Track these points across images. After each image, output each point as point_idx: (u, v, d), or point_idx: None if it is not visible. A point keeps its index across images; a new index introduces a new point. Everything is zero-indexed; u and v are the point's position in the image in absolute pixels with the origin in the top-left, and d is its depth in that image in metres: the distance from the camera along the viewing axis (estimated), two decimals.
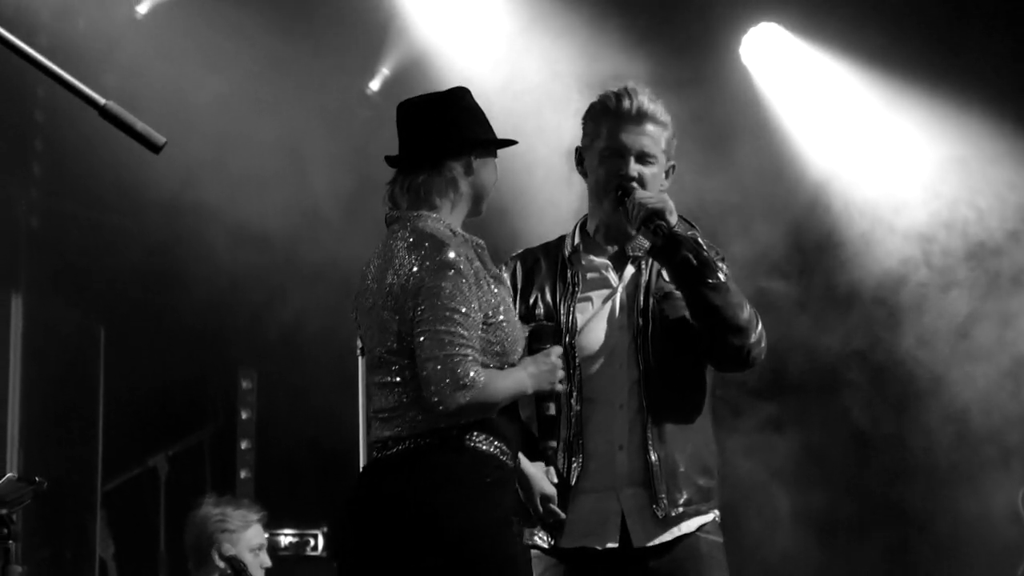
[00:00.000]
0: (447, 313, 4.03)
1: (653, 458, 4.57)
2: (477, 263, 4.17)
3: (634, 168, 4.73)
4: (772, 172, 8.19)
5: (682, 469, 4.60)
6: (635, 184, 4.70)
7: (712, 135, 7.73)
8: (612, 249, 4.84)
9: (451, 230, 4.23)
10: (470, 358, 4.01)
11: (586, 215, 4.95)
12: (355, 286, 4.30)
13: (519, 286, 4.83)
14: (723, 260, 4.71)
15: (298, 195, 7.87)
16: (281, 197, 7.79)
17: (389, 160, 4.36)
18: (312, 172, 7.90)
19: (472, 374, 4.00)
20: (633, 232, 4.69)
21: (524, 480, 4.42)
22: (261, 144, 7.63)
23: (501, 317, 4.16)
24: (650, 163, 4.75)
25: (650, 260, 4.76)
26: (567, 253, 4.88)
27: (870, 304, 8.28)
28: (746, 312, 4.63)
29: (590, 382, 4.65)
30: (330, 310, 7.48)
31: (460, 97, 4.37)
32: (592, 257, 4.86)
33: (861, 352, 8.30)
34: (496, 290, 4.20)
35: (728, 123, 8.03)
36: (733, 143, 8.09)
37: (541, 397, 4.34)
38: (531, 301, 4.77)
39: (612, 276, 4.82)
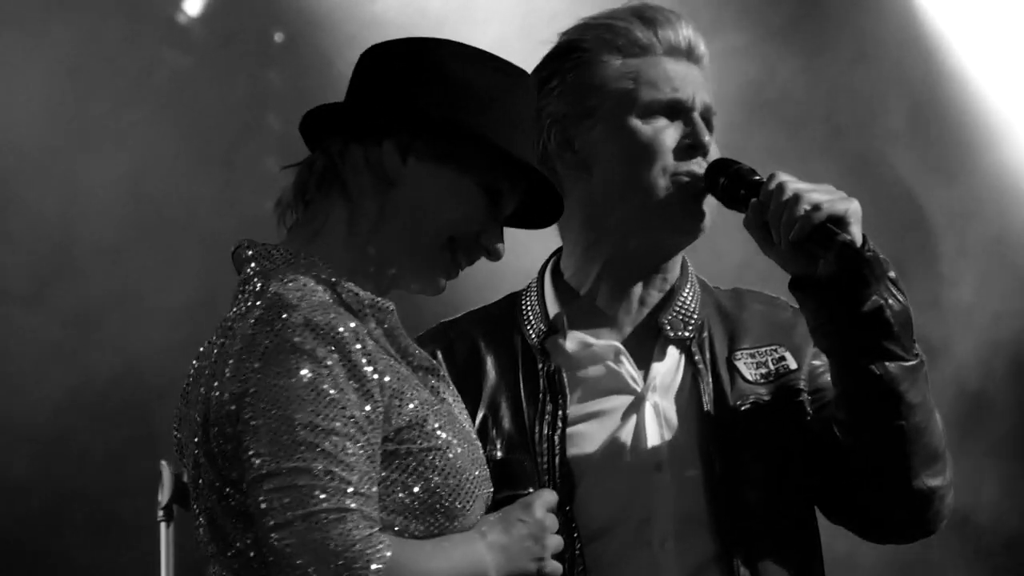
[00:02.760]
0: (296, 433, 2.34)
1: None
2: (367, 342, 2.42)
3: (707, 137, 2.95)
4: None
5: None
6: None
7: None
8: (624, 317, 2.97)
9: (335, 285, 2.49)
10: (355, 515, 2.32)
11: (558, 254, 3.05)
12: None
13: None
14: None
15: None
16: None
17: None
18: None
19: (365, 549, 2.30)
20: (783, 248, 2.81)
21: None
22: None
23: (438, 434, 2.44)
24: (712, 121, 3.00)
25: (707, 339, 2.95)
26: (533, 334, 2.97)
27: None
28: (942, 431, 2.85)
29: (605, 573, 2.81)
30: None
31: (432, 50, 2.57)
32: (584, 336, 2.95)
33: None
34: (416, 388, 2.46)
35: None
36: None
37: None
38: (478, 427, 2.87)
39: (628, 371, 2.93)
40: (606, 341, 2.94)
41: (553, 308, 2.98)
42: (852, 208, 2.75)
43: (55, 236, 6.12)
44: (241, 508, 2.42)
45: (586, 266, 2.97)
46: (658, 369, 2.92)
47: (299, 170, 2.60)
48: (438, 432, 2.45)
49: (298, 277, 2.48)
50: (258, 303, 2.47)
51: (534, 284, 3.03)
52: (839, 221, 2.74)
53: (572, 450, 2.85)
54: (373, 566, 2.31)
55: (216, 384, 2.45)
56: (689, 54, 2.97)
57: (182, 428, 2.58)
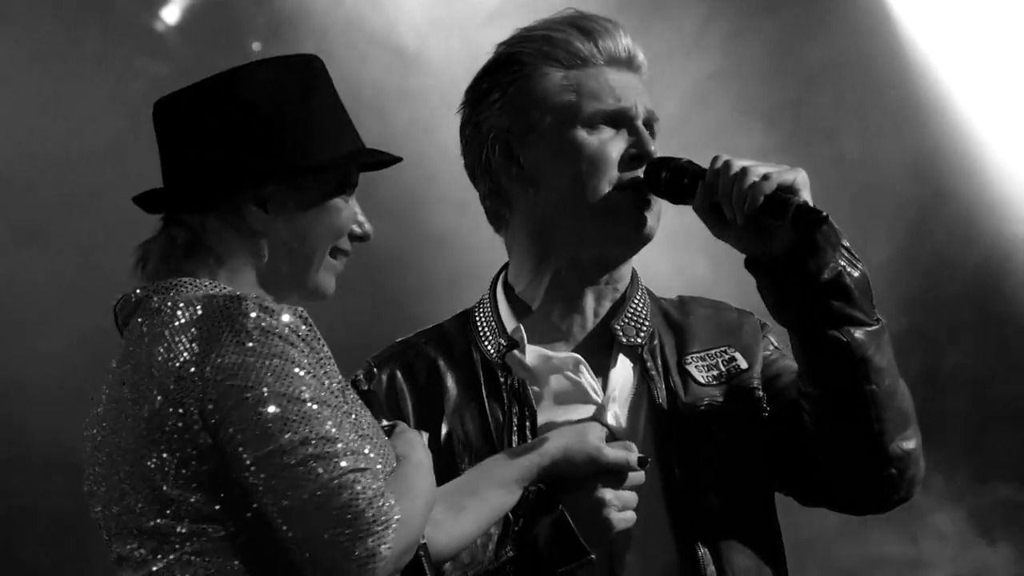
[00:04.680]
0: (278, 405, 2.40)
1: None
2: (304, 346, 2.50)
3: (651, 144, 2.97)
4: None
5: None
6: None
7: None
8: (578, 329, 3.00)
9: (236, 294, 2.55)
10: (363, 476, 2.40)
11: (506, 268, 3.06)
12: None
13: (410, 421, 2.93)
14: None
15: None
16: None
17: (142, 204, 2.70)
18: None
19: (385, 504, 2.40)
20: (738, 224, 2.82)
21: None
22: None
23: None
24: (654, 127, 3.03)
25: (658, 346, 2.97)
26: (493, 350, 2.98)
27: None
28: (910, 403, 2.87)
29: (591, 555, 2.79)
30: None
31: (238, 90, 2.61)
32: (543, 350, 2.97)
33: None
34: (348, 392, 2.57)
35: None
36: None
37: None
38: (437, 445, 2.90)
39: (588, 382, 2.95)
40: (565, 353, 2.96)
41: (510, 323, 3.00)
42: (800, 176, 2.79)
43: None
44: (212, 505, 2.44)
45: (537, 279, 2.99)
46: (615, 378, 2.94)
47: (162, 243, 2.64)
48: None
49: (207, 292, 2.55)
50: (176, 315, 2.49)
51: (486, 299, 3.05)
52: (789, 189, 2.76)
53: None
54: (394, 516, 2.39)
55: (162, 396, 2.46)
56: (629, 63, 2.98)
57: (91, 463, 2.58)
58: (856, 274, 2.80)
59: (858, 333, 2.79)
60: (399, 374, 2.98)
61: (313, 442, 2.39)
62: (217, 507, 2.45)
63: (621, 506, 2.79)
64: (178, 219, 2.64)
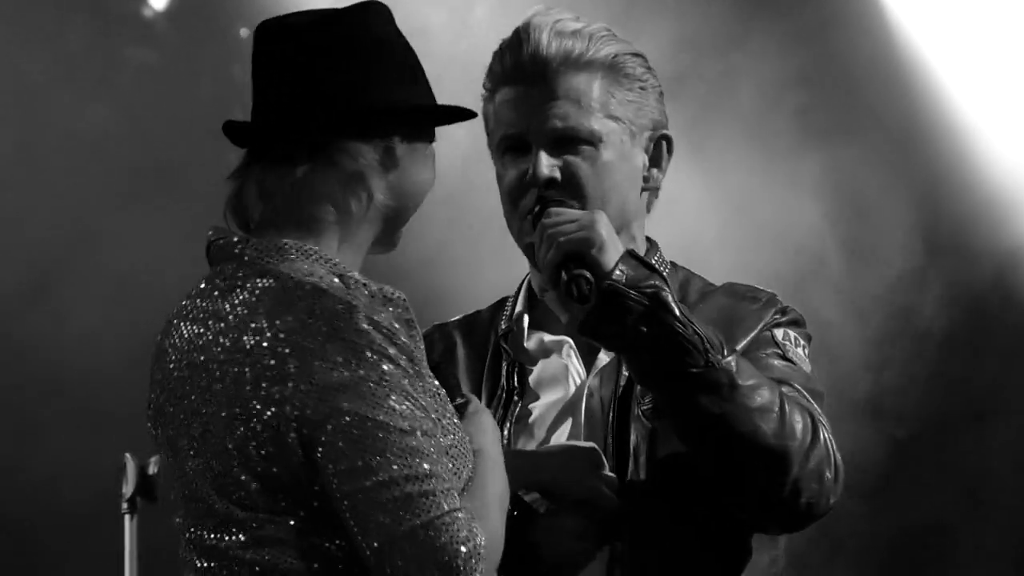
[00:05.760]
0: (383, 436, 2.33)
1: None
2: (403, 338, 2.42)
3: (546, 165, 2.83)
4: None
5: None
6: (552, 195, 2.83)
7: None
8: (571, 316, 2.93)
9: (343, 277, 2.44)
10: (459, 514, 2.35)
11: None
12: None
13: None
14: (792, 328, 2.90)
15: None
16: None
17: (231, 132, 2.53)
18: None
19: (474, 540, 2.35)
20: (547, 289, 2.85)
21: None
22: None
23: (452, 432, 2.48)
24: (582, 145, 2.85)
25: None
26: (501, 329, 2.96)
27: None
28: (781, 422, 2.69)
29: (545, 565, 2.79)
30: None
31: (370, 23, 2.53)
32: (543, 334, 2.94)
33: None
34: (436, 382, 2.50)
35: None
36: None
37: None
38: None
39: (573, 365, 2.92)
40: (559, 337, 2.92)
41: (522, 307, 2.98)
42: (596, 235, 2.71)
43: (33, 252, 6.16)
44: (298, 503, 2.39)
45: (537, 275, 2.96)
46: (600, 364, 2.90)
47: (268, 185, 2.52)
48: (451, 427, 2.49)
49: (317, 267, 2.45)
50: (266, 292, 2.42)
51: (517, 289, 3.03)
52: (577, 255, 2.70)
53: (518, 443, 2.86)
54: (481, 552, 2.35)
55: (253, 383, 2.39)
56: (535, 73, 2.85)
57: (161, 418, 2.50)
58: (661, 329, 2.68)
59: (693, 367, 2.67)
60: None
61: (410, 478, 2.33)
62: (283, 503, 2.40)
63: (583, 537, 2.78)
64: (285, 157, 2.51)
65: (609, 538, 2.78)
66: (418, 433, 2.34)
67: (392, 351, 2.36)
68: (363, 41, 2.51)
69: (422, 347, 2.46)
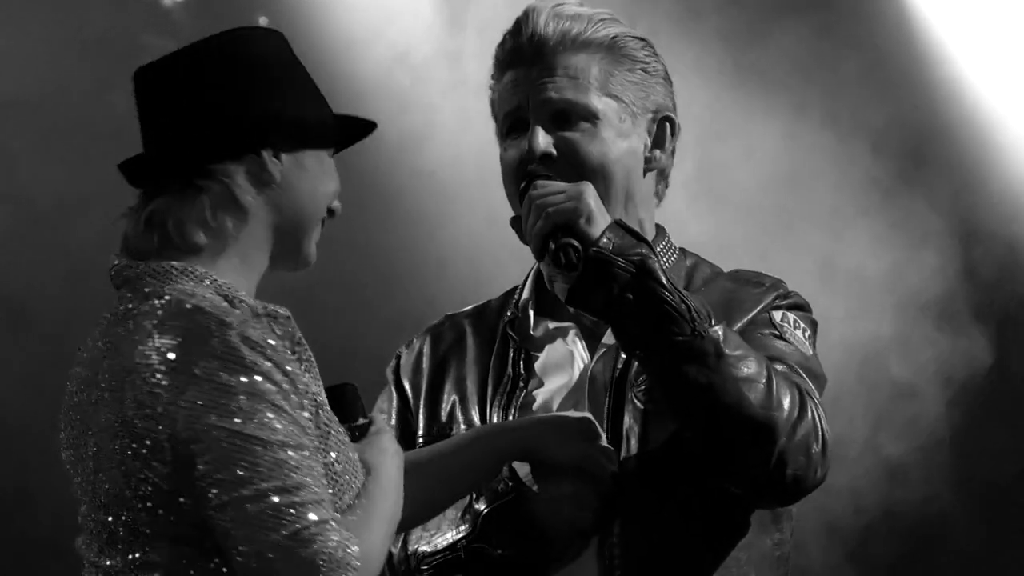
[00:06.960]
0: (252, 449, 2.37)
1: None
2: (282, 351, 2.47)
3: (542, 139, 2.86)
4: None
5: None
6: (540, 170, 2.86)
7: None
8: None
9: (228, 297, 2.50)
10: (329, 525, 2.37)
11: None
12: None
13: (423, 384, 3.02)
14: (788, 312, 2.90)
15: None
16: None
17: (126, 172, 2.56)
18: None
19: (345, 552, 2.37)
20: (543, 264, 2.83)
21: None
22: None
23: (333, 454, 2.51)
24: (580, 122, 2.87)
25: None
26: (508, 316, 3.00)
27: None
28: (768, 393, 2.70)
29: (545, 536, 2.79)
30: None
31: (237, 45, 2.56)
32: (549, 321, 2.98)
33: None
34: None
35: None
36: None
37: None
38: (440, 406, 2.99)
39: (579, 351, 2.94)
40: (562, 322, 2.95)
41: (529, 294, 3.02)
42: (585, 205, 2.73)
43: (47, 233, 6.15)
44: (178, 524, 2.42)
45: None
46: (603, 346, 2.92)
47: (193, 201, 2.53)
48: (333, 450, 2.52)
49: (200, 289, 2.48)
50: (154, 315, 2.46)
51: (525, 277, 3.06)
52: (567, 225, 2.72)
53: None
54: (353, 563, 2.37)
55: (134, 403, 2.43)
56: (536, 53, 2.89)
57: (66, 440, 2.55)
58: (648, 299, 2.69)
59: (679, 336, 2.68)
60: (425, 346, 3.05)
61: (279, 490, 2.36)
62: (171, 521, 2.43)
63: (581, 505, 2.78)
64: (165, 188, 2.55)
65: (606, 510, 2.79)
66: (289, 446, 2.37)
67: (266, 366, 2.40)
68: (230, 63, 2.54)
69: (313, 363, 2.52)
